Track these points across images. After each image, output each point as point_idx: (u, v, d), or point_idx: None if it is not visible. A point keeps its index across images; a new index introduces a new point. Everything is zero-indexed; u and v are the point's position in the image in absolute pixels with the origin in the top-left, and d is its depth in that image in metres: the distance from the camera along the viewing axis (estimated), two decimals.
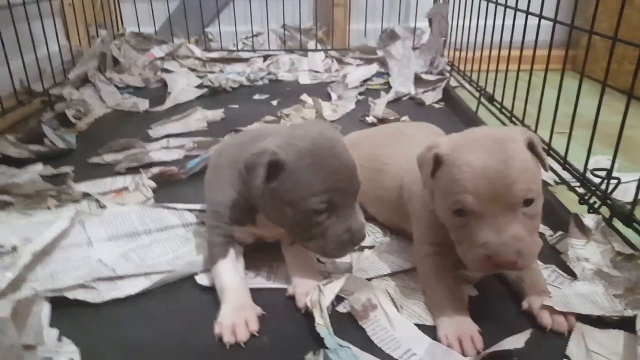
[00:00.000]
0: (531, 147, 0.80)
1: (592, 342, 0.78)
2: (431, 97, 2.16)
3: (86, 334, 0.82)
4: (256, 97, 2.21)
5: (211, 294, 0.91)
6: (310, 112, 1.93)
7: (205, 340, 0.81)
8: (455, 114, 1.98)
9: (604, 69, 1.06)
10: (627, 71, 2.02)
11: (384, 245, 1.07)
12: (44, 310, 0.85)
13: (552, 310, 0.82)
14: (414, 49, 2.60)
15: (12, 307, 0.76)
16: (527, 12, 1.48)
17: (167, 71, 2.49)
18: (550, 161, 1.28)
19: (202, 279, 0.95)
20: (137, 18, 2.72)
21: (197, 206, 1.18)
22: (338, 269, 1.00)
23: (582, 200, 1.12)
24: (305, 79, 2.49)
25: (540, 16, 1.36)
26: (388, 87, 2.32)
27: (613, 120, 1.01)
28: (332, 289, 0.86)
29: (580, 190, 1.16)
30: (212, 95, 2.23)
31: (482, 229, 0.76)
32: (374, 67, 2.54)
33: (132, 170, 1.42)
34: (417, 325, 0.83)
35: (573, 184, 1.20)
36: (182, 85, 2.27)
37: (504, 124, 1.63)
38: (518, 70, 1.50)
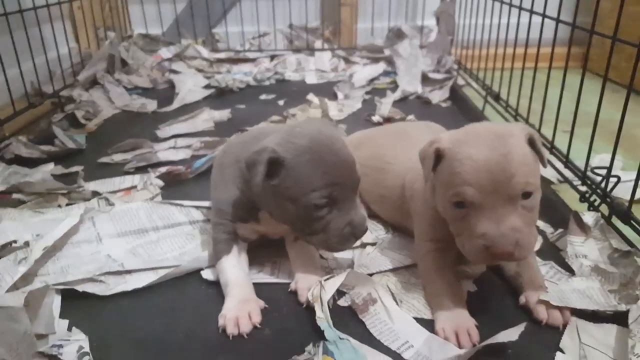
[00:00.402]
0: (531, 142, 0.82)
1: (586, 336, 0.79)
2: (438, 96, 2.16)
3: (95, 325, 0.85)
4: (263, 97, 2.23)
5: (216, 288, 0.93)
6: (316, 112, 1.95)
7: (210, 332, 0.83)
8: (462, 113, 1.99)
9: (621, 70, 1.05)
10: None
11: (385, 242, 1.09)
12: (55, 301, 0.89)
13: (548, 305, 0.83)
14: (421, 47, 2.61)
15: (24, 298, 0.80)
16: (531, 11, 1.49)
17: (175, 72, 2.51)
18: (553, 159, 1.29)
19: (208, 274, 0.98)
20: (145, 20, 2.76)
21: (204, 203, 1.20)
22: (340, 264, 1.02)
23: (583, 198, 1.14)
24: (312, 79, 2.50)
25: (544, 15, 1.37)
26: (395, 86, 2.32)
27: (625, 120, 1.01)
28: (333, 283, 0.88)
29: (582, 188, 1.17)
30: (219, 96, 2.25)
31: (481, 220, 0.78)
32: (381, 66, 2.55)
33: (141, 170, 1.45)
34: (416, 319, 0.85)
35: (575, 182, 1.21)
36: (190, 86, 2.30)
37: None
38: (523, 69, 1.51)
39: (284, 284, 0.95)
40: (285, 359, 0.77)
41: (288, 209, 0.87)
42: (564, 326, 0.81)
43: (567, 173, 1.25)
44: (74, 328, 0.83)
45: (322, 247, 0.93)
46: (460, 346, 0.78)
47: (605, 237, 1.00)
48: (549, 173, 1.31)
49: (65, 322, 0.85)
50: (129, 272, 0.98)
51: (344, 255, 1.03)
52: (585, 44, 1.19)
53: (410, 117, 1.86)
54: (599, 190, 1.10)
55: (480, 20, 2.01)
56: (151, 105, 2.08)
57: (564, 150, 1.26)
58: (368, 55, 2.70)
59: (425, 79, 2.32)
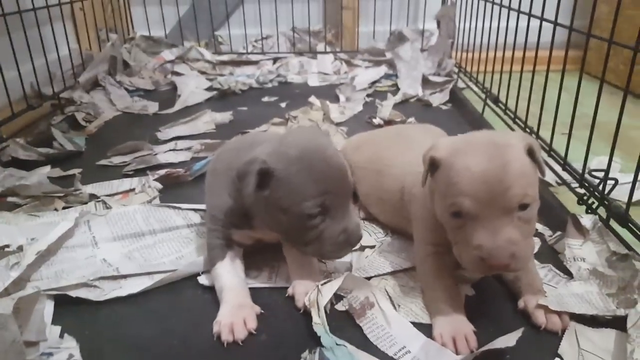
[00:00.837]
0: (530, 153, 0.81)
1: (585, 341, 0.78)
2: (438, 99, 2.16)
3: (89, 331, 0.84)
4: (265, 99, 2.22)
5: (213, 293, 0.92)
6: (317, 115, 1.94)
7: (206, 339, 0.83)
8: (462, 116, 1.98)
9: (619, 72, 1.05)
10: None
11: (384, 245, 1.08)
12: (47, 307, 0.88)
13: (547, 310, 0.82)
14: (422, 50, 2.62)
15: (14, 305, 0.78)
16: (530, 15, 1.48)
17: (177, 74, 2.52)
18: (551, 162, 1.29)
19: (204, 279, 0.97)
20: (148, 22, 2.76)
21: (202, 206, 1.19)
22: (338, 268, 1.01)
23: (581, 200, 1.13)
24: (314, 81, 2.50)
25: (542, 19, 1.37)
26: (396, 88, 2.32)
27: (623, 122, 1.01)
28: (331, 288, 0.88)
29: (580, 190, 1.16)
30: (222, 98, 2.25)
31: (478, 232, 0.77)
32: (383, 69, 2.55)
33: (140, 172, 1.44)
34: (413, 323, 0.85)
35: (573, 185, 1.21)
36: (192, 88, 2.29)
37: (510, 127, 1.63)
38: (522, 72, 1.51)
39: (281, 288, 0.94)
40: None
41: (281, 219, 0.87)
42: (563, 331, 0.80)
43: (565, 176, 1.24)
44: (65, 335, 0.82)
45: (317, 256, 0.93)
46: (457, 352, 0.77)
47: (603, 240, 1.00)
48: (547, 176, 1.30)
49: (58, 329, 0.84)
50: (124, 277, 0.97)
51: (342, 258, 1.02)
52: (583, 47, 1.19)
53: (411, 119, 1.86)
54: (596, 193, 1.09)
55: (479, 24, 2.01)
56: (152, 107, 2.08)
57: (563, 153, 1.25)
58: (370, 58, 2.70)
59: (425, 82, 2.32)
